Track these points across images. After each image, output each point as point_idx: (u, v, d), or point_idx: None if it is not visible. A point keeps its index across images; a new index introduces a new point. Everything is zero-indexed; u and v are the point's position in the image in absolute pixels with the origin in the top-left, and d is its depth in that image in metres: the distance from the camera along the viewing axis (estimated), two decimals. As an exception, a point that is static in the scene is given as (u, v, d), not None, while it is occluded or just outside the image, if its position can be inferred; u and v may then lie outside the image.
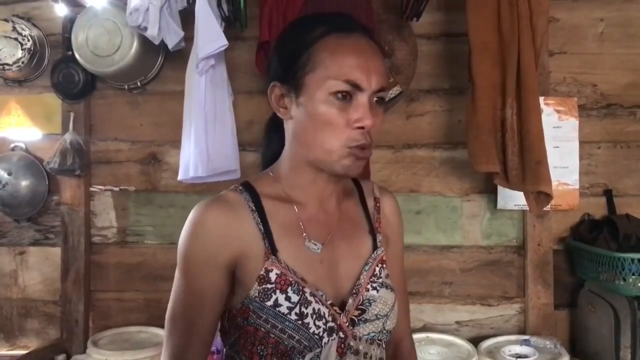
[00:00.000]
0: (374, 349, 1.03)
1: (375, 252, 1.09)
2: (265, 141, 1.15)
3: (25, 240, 2.49)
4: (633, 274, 1.90)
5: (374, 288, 1.04)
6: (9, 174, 2.42)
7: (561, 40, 2.28)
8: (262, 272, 0.97)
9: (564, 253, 2.28)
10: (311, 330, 0.95)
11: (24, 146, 2.47)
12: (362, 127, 0.97)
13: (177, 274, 1.01)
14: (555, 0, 2.24)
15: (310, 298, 0.96)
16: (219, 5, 2.01)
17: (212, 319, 1.00)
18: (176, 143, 2.16)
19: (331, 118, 0.96)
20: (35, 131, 2.47)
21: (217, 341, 1.42)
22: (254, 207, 1.01)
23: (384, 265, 1.09)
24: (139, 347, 2.17)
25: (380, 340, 1.05)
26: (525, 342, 2.09)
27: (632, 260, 1.89)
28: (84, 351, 2.26)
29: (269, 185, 1.05)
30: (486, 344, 2.14)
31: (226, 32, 1.99)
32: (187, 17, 2.07)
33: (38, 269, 2.48)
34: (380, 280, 1.06)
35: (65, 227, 2.41)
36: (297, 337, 0.94)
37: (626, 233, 2.01)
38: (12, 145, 2.47)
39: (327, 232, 1.05)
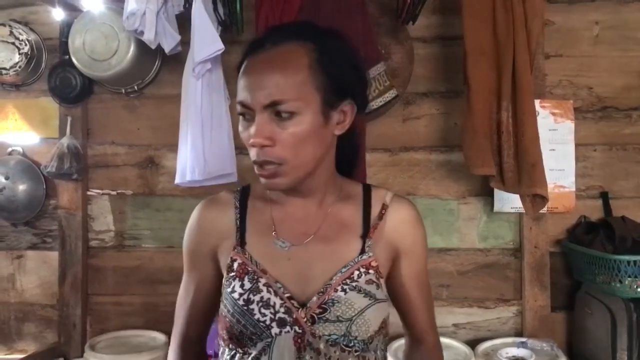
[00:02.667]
0: (335, 352, 1.01)
1: (359, 257, 1.07)
2: None
3: (22, 244, 2.49)
4: (629, 276, 1.90)
5: (343, 290, 1.02)
6: (7, 178, 2.43)
7: (557, 43, 2.29)
8: (228, 262, 1.06)
9: (561, 255, 2.28)
10: (255, 317, 1.00)
11: (21, 150, 2.47)
12: (253, 145, 0.99)
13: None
14: (551, 4, 2.25)
15: (262, 287, 1.02)
16: (215, 9, 2.01)
17: (208, 302, 1.14)
18: (173, 147, 2.16)
19: (243, 137, 1.03)
20: (32, 135, 2.48)
21: (215, 344, 1.43)
22: (237, 205, 1.11)
23: (369, 271, 1.06)
24: (137, 350, 2.18)
25: (347, 346, 1.01)
26: (522, 345, 2.09)
27: (628, 262, 1.90)
28: (81, 355, 2.26)
29: (262, 186, 1.06)
30: (483, 346, 2.14)
31: (222, 36, 2.00)
32: (183, 21, 2.08)
33: (35, 273, 2.48)
34: (354, 283, 1.04)
35: (62, 231, 2.41)
36: (242, 322, 1.00)
37: (622, 235, 2.02)
38: (10, 149, 2.48)
39: (304, 231, 1.07)
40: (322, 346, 1.00)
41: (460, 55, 2.03)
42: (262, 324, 1.00)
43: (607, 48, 2.29)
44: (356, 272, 1.05)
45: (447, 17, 2.30)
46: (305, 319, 1.00)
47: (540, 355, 2.04)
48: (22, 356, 2.32)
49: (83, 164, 2.37)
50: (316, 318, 1.01)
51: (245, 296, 1.01)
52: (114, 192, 2.44)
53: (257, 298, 1.01)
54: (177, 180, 2.06)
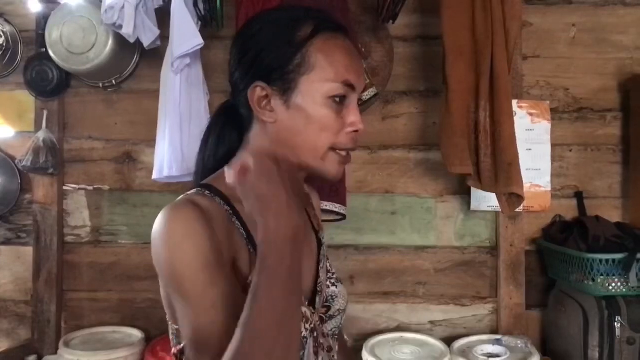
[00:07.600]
0: (334, 344, 1.04)
1: (322, 249, 1.10)
2: (215, 140, 1.04)
3: (-4, 239, 2.45)
4: (602, 275, 1.94)
5: (333, 284, 1.06)
6: (-20, 172, 2.38)
7: (534, 44, 2.32)
8: (249, 281, 0.87)
9: (536, 254, 2.32)
10: (301, 335, 0.91)
11: (-5, 144, 2.43)
12: (357, 131, 0.96)
13: (183, 296, 0.83)
14: (529, 5, 2.29)
15: None
16: (196, 4, 2.00)
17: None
18: (151, 142, 2.14)
19: (328, 122, 0.93)
20: (7, 129, 2.43)
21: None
22: (231, 211, 0.93)
23: (329, 260, 1.11)
24: (112, 347, 2.15)
25: (335, 335, 1.06)
26: (497, 342, 2.12)
27: (601, 261, 1.93)
28: (55, 352, 2.23)
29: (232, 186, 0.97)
30: (459, 343, 2.16)
31: (202, 31, 1.99)
32: (163, 16, 2.05)
33: (9, 269, 2.44)
34: (335, 275, 1.08)
35: (37, 226, 2.38)
36: None
37: (595, 234, 2.05)
38: (-16, 142, 2.43)
39: None
40: (331, 343, 1.02)
41: (440, 55, 2.05)
42: (304, 339, 0.92)
43: (584, 50, 2.33)
44: (328, 265, 1.09)
45: (427, 17, 2.31)
46: (317, 322, 0.99)
47: (515, 352, 2.07)
48: (-6, 353, 2.29)
49: (59, 158, 2.34)
50: (324, 317, 1.01)
51: None
52: (90, 187, 2.41)
53: None
54: (155, 176, 2.04)
